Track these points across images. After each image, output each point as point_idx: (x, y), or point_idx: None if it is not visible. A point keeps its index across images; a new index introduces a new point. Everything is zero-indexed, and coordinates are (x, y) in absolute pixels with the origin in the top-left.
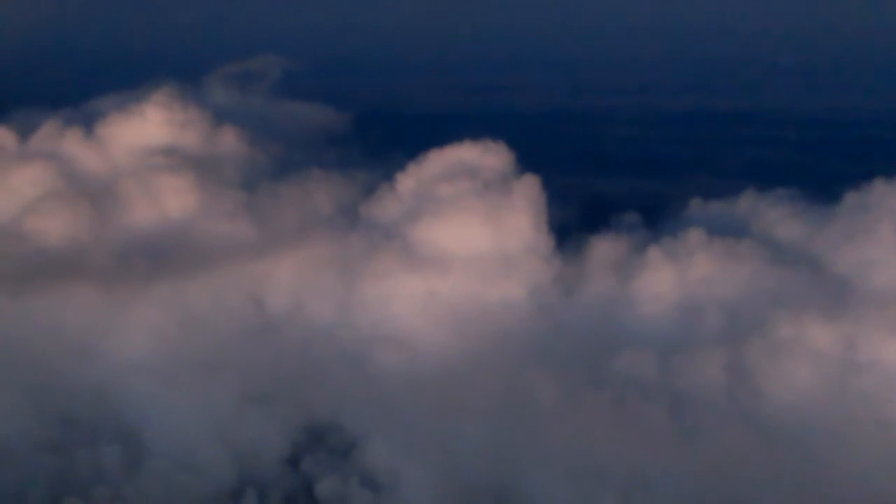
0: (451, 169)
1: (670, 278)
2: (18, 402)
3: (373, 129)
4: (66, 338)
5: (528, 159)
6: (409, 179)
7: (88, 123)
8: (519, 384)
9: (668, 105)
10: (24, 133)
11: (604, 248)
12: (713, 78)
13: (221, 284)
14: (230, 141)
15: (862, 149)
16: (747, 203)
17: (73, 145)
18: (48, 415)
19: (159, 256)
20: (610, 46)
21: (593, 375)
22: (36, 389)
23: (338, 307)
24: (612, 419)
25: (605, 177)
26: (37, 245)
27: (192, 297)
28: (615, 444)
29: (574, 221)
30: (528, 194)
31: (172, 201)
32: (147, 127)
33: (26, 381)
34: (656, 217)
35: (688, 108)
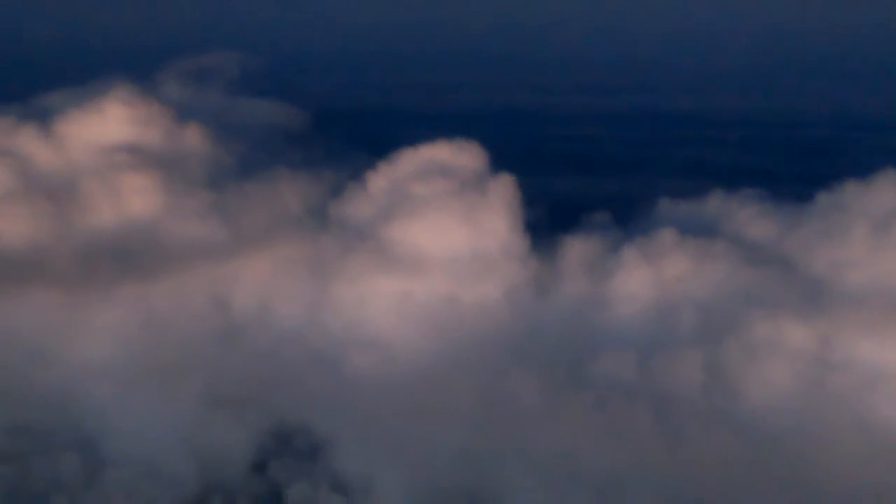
0: (422, 168)
1: (644, 278)
2: None
3: (335, 127)
4: (23, 342)
5: (497, 159)
6: (381, 178)
7: (42, 120)
8: (493, 385)
9: (637, 105)
10: None
11: (577, 248)
12: (681, 79)
13: (186, 286)
14: (193, 138)
15: (826, 150)
16: (716, 203)
17: (30, 143)
18: (3, 423)
19: (122, 257)
20: (582, 47)
21: (568, 375)
22: None
23: (307, 308)
24: (586, 419)
25: (574, 176)
26: None
27: (155, 300)
28: (590, 444)
29: (546, 221)
30: (501, 194)
31: (135, 201)
32: (107, 123)
33: None
34: (627, 216)
35: (656, 108)
